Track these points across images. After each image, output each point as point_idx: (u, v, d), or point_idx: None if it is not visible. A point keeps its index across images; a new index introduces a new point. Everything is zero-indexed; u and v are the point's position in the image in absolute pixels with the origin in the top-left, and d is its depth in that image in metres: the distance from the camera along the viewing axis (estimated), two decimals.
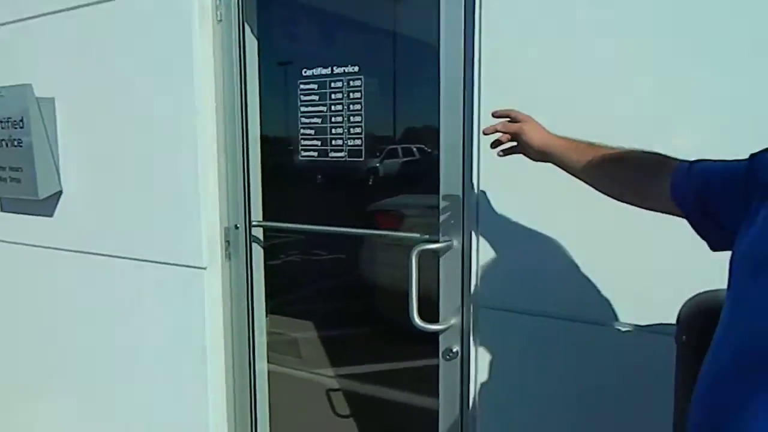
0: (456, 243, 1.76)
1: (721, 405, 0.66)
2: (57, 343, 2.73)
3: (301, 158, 2.06)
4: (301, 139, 2.06)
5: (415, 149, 2.15)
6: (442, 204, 1.76)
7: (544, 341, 1.62)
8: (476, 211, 1.69)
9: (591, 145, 1.14)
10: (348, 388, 3.85)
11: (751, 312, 0.65)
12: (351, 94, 1.92)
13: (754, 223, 0.71)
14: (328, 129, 1.98)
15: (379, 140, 2.04)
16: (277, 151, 2.58)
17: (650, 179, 0.97)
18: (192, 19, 2.10)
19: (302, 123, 2.04)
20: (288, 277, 2.81)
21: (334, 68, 1.94)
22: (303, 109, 2.03)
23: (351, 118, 1.93)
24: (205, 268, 2.22)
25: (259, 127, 2.25)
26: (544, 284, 1.61)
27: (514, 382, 1.68)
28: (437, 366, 1.81)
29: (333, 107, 1.96)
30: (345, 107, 1.94)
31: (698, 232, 0.91)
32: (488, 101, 1.59)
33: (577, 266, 1.56)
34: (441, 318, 1.80)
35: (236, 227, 2.22)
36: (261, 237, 2.33)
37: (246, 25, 2.16)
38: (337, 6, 2.11)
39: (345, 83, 1.92)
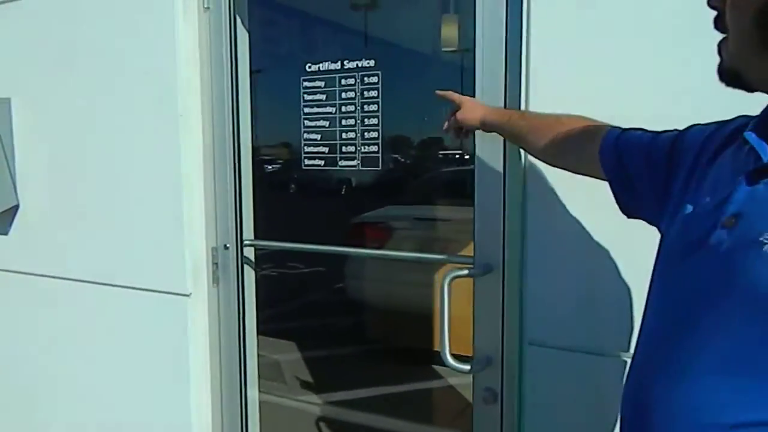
0: (495, 267, 1.49)
1: (653, 381, 0.66)
2: (13, 379, 2.38)
3: (304, 167, 1.77)
4: (305, 145, 1.77)
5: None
6: (478, 221, 1.50)
7: (604, 385, 1.36)
8: (521, 230, 1.43)
9: (522, 114, 1.24)
10: (339, 417, 3.56)
11: (684, 289, 0.66)
12: (366, 93, 1.65)
13: (681, 206, 0.72)
14: (338, 134, 1.70)
15: None
16: (270, 159, 2.29)
17: (585, 142, 0.99)
18: (175, 6, 1.80)
19: (306, 127, 1.76)
20: (263, 293, 2.52)
21: (345, 62, 1.66)
22: (307, 110, 1.75)
23: (365, 120, 1.65)
24: (188, 295, 1.92)
25: (250, 132, 1.96)
26: (605, 317, 1.35)
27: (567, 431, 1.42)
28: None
29: (343, 108, 1.68)
30: (358, 108, 1.66)
31: (615, 196, 0.94)
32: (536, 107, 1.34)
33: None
34: (476, 355, 1.54)
35: (226, 247, 1.92)
36: (253, 258, 2.04)
37: (237, 16, 1.86)
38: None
39: (358, 80, 1.65)
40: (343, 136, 1.69)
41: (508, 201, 1.46)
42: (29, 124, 2.17)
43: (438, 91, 1.39)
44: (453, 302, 1.40)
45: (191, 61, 1.85)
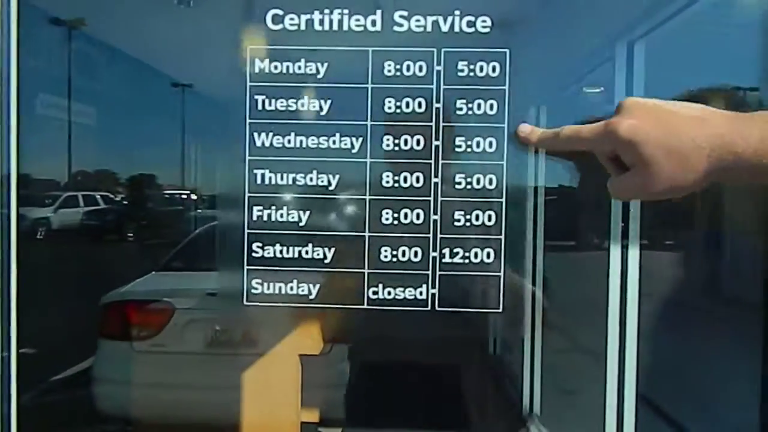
0: None
1: None
2: None
3: (250, 299, 0.62)
4: (251, 235, 0.62)
5: (99, 197, 1.89)
6: None
7: None
8: None
9: None
10: None
11: None
12: (464, 105, 0.60)
13: None
14: (368, 212, 0.60)
15: (46, 185, 1.68)
16: None
17: None
18: None
19: (257, 186, 0.61)
20: None
21: (389, 16, 0.59)
22: (263, 139, 0.61)
23: (461, 178, 0.60)
24: None
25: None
26: None
27: None
28: None
29: (389, 142, 0.60)
30: (429, 143, 0.60)
31: None
32: None
33: None
34: None
35: None
36: None
37: None
38: None
39: (436, 66, 0.60)
40: (385, 218, 0.60)
41: None
42: None
43: (522, 128, 0.59)
44: None
45: None
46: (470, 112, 0.59)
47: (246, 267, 0.60)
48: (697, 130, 0.46)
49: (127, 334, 2.63)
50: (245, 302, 0.61)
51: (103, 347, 2.68)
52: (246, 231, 0.60)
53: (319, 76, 0.60)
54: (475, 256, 0.59)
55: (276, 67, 0.60)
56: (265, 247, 0.60)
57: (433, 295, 0.60)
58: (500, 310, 0.59)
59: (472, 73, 0.59)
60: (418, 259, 0.60)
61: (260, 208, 0.60)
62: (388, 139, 0.60)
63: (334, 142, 0.60)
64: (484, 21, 0.59)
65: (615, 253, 1.64)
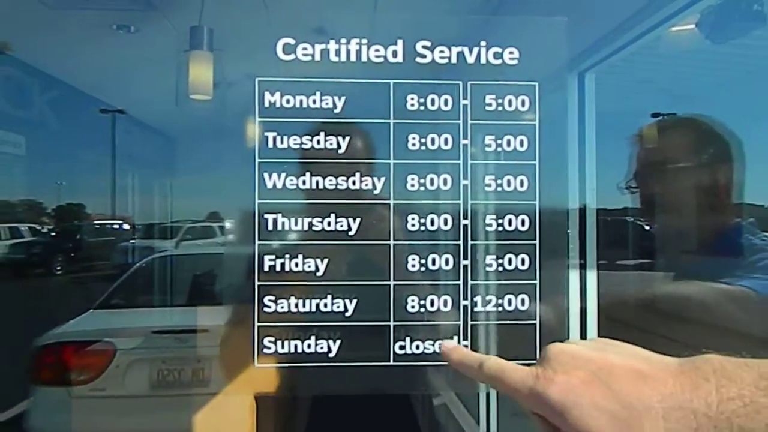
0: None
1: None
2: None
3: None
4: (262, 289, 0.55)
5: (24, 229, 2.14)
6: None
7: None
8: None
9: None
10: None
11: None
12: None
13: None
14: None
15: None
16: None
17: None
18: None
19: (266, 235, 0.55)
20: None
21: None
22: (273, 173, 0.55)
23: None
24: None
25: None
26: None
27: None
28: None
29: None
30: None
31: None
32: None
33: None
34: None
35: None
36: None
37: None
38: None
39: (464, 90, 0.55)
40: (411, 265, 0.55)
41: None
42: None
43: (446, 344, 0.48)
44: None
45: None
46: (499, 149, 0.55)
47: (257, 324, 0.54)
48: (642, 386, 0.36)
49: (64, 379, 2.43)
50: (256, 364, 0.54)
51: (36, 394, 2.46)
52: (256, 283, 0.54)
53: (336, 111, 0.54)
54: (509, 303, 0.55)
55: (288, 101, 0.54)
56: (279, 301, 0.54)
57: (465, 347, 0.55)
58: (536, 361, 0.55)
59: (500, 108, 0.55)
60: (448, 308, 0.55)
61: (272, 257, 0.54)
62: (412, 179, 0.55)
63: (353, 183, 0.54)
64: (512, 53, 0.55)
65: (573, 276, 1.64)
